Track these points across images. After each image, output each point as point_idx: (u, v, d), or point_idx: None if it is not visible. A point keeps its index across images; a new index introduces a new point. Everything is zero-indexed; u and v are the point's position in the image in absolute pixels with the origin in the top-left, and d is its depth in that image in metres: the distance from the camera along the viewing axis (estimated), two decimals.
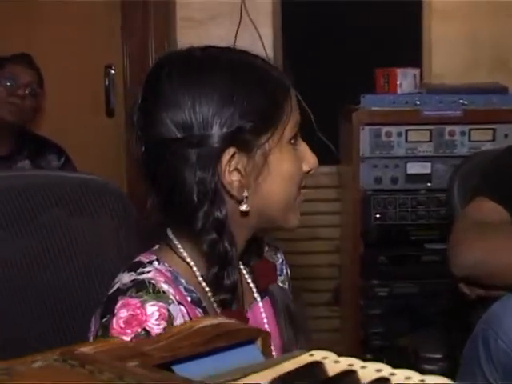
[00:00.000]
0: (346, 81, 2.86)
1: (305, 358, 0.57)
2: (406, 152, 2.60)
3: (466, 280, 1.70)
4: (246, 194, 1.11)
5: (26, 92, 2.80)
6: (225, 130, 1.08)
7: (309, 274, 2.96)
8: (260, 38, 2.98)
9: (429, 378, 0.51)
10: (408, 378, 0.52)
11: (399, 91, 2.60)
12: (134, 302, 1.05)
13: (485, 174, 1.86)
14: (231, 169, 1.09)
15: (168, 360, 0.58)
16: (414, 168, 2.61)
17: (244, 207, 1.12)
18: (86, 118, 3.17)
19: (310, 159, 1.19)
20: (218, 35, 2.93)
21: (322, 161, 2.99)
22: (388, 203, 2.60)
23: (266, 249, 1.32)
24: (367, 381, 0.51)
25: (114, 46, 3.15)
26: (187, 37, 3.00)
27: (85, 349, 0.57)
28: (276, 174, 1.12)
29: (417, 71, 2.64)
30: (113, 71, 3.16)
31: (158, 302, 1.06)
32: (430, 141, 2.60)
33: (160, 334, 0.63)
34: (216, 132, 1.08)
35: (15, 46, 2.95)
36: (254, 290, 1.24)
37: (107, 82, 3.15)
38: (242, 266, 1.25)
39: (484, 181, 1.83)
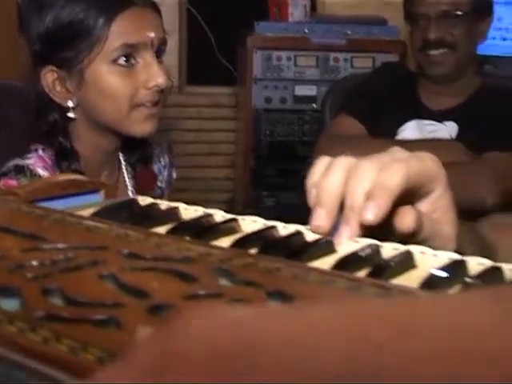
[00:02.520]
0: (245, 8, 3.05)
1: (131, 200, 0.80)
2: (295, 75, 2.84)
3: None
4: (70, 104, 1.31)
5: None
6: (41, 47, 1.29)
7: (206, 186, 3.19)
8: None
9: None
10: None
11: (290, 19, 2.81)
12: (12, 182, 1.25)
13: (348, 94, 2.11)
14: (51, 82, 1.30)
15: (33, 199, 0.80)
16: (301, 90, 2.85)
17: (70, 115, 1.32)
18: None
19: (152, 77, 1.29)
20: None
21: (221, 82, 3.19)
22: (277, 121, 2.84)
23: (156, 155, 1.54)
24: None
25: None
26: None
27: None
28: (97, 89, 1.29)
29: (307, 1, 2.85)
30: None
31: None
32: (317, 66, 2.84)
33: (28, 183, 0.85)
34: (38, 49, 1.30)
35: None
36: (130, 188, 1.46)
37: None
38: (123, 167, 1.46)
39: (347, 99, 2.08)
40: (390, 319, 0.25)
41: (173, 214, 0.74)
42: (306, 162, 2.88)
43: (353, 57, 2.82)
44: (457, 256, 0.56)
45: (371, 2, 3.16)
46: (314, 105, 2.85)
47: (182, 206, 0.77)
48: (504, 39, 2.83)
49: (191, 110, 3.15)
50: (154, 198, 1.42)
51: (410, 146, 1.88)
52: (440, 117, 1.98)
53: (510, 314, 0.25)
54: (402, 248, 0.58)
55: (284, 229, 0.68)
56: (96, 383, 0.28)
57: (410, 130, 1.98)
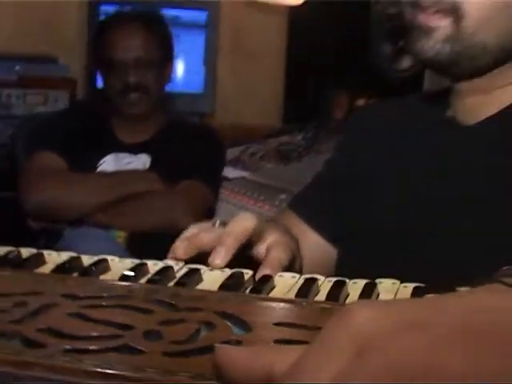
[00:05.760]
0: None
1: None
2: None
3: (34, 215, 2.02)
4: None
5: None
6: None
7: None
8: None
9: None
10: None
11: None
12: None
13: (43, 131, 2.18)
14: None
15: None
16: None
17: None
18: None
19: None
20: None
21: None
22: None
23: None
24: None
25: None
26: None
27: None
28: None
29: None
30: None
31: None
32: None
33: None
34: None
35: None
36: None
37: None
38: None
39: (42, 136, 2.16)
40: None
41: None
42: None
43: (25, 93, 2.84)
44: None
45: (41, 40, 3.14)
46: None
47: None
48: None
49: None
50: None
51: (109, 177, 2.02)
52: (134, 150, 2.13)
53: None
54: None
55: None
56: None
57: (109, 163, 2.11)
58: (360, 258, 1.00)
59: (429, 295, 0.60)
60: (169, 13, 2.44)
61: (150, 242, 1.90)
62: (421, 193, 0.97)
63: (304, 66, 3.39)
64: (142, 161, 2.12)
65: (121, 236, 2.00)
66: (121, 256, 0.81)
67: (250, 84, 3.42)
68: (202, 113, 3.16)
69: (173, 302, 0.64)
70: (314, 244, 1.05)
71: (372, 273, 0.72)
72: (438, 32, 0.93)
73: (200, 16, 3.10)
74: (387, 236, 0.98)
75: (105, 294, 0.67)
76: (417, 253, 0.94)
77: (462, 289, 0.64)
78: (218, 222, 0.86)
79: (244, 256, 0.80)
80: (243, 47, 3.40)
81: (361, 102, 3.22)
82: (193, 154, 2.10)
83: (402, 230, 0.97)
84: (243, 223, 0.80)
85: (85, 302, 0.64)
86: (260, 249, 0.82)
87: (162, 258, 0.82)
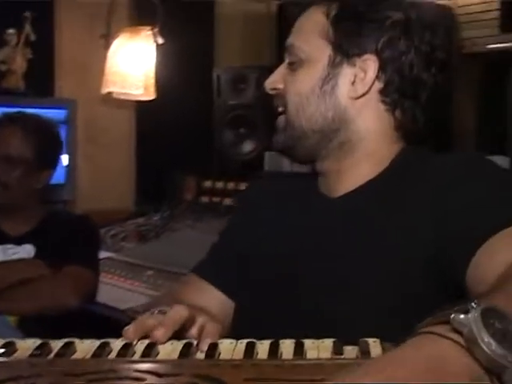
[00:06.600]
0: None
1: None
2: None
3: None
4: None
5: None
6: None
7: None
8: None
9: None
10: None
11: None
12: None
13: None
14: None
15: None
16: None
17: None
18: None
19: None
20: None
21: None
22: None
23: None
24: None
25: None
26: None
27: None
28: None
29: None
30: None
31: None
32: None
33: None
34: None
35: None
36: None
37: None
38: None
39: None
40: None
41: None
42: None
43: None
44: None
45: None
46: None
47: None
48: None
49: None
50: None
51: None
52: (19, 241, 2.18)
53: None
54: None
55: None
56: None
57: None
58: (251, 311, 1.16)
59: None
60: (32, 112, 2.49)
61: (39, 323, 1.95)
62: (297, 255, 1.14)
63: (154, 154, 3.54)
64: (26, 250, 2.17)
65: (13, 319, 2.03)
66: (14, 337, 0.90)
67: (106, 172, 3.53)
68: (65, 201, 3.22)
69: (157, 371, 0.76)
70: (217, 299, 1.21)
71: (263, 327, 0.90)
72: (279, 126, 1.19)
73: (60, 114, 3.19)
74: (269, 294, 1.14)
75: (100, 369, 0.77)
76: (293, 309, 1.10)
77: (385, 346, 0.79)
78: (156, 311, 0.99)
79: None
80: (98, 139, 3.51)
81: (208, 183, 3.40)
82: (72, 241, 2.18)
83: (280, 287, 1.13)
84: (179, 312, 0.94)
85: (90, 377, 0.74)
86: (193, 331, 0.95)
87: (51, 337, 0.89)
